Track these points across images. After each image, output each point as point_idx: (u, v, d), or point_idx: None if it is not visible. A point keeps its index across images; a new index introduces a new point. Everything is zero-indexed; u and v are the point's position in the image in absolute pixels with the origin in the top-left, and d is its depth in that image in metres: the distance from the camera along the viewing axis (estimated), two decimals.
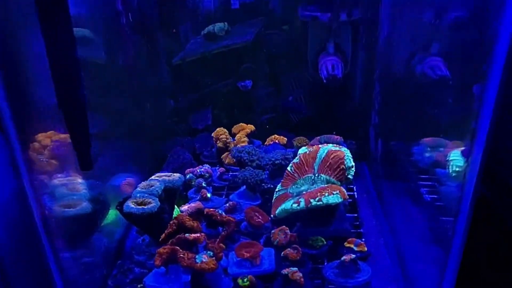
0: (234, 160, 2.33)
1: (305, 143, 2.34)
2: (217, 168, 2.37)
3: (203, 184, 2.17)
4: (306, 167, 1.98)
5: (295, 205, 1.75)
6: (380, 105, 2.46)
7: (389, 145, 2.36)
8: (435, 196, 1.79)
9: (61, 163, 1.82)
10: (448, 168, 1.75)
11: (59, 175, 1.88)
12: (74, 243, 1.76)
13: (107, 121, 2.14)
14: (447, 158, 1.76)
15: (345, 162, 1.89)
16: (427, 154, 1.90)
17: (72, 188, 1.91)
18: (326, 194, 1.72)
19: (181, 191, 2.19)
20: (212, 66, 2.62)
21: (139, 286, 1.66)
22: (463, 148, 1.72)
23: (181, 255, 1.54)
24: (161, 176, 1.99)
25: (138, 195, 1.84)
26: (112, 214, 2.08)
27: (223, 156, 2.45)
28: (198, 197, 2.11)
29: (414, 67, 1.91)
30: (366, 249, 1.80)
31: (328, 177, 1.88)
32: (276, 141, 2.48)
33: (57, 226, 1.62)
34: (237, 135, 2.51)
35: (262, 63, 2.66)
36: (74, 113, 1.37)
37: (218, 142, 2.47)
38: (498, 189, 1.81)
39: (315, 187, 1.85)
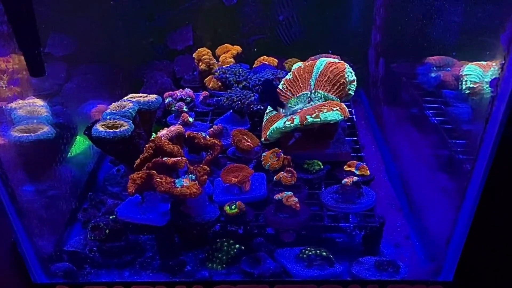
0: (219, 82, 2.07)
1: None
2: (200, 92, 2.11)
3: (184, 109, 1.92)
4: (301, 83, 1.73)
5: (288, 123, 1.53)
6: (382, 20, 2.21)
7: (391, 65, 2.15)
8: (443, 119, 1.61)
9: (23, 88, 1.60)
10: (461, 84, 1.57)
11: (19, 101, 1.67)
12: (37, 174, 1.54)
13: (75, 43, 1.90)
14: (461, 73, 1.58)
15: (346, 76, 1.65)
16: (433, 74, 1.71)
17: (32, 110, 1.67)
18: (325, 110, 1.49)
19: (159, 117, 1.97)
20: None
21: (111, 217, 1.45)
22: (481, 62, 1.55)
23: (158, 179, 1.32)
24: (134, 97, 1.75)
25: (108, 117, 1.60)
26: (82, 143, 1.86)
27: (206, 79, 2.19)
28: (178, 122, 1.87)
29: None
30: (368, 172, 1.60)
31: (326, 94, 1.64)
32: (266, 62, 2.21)
33: (11, 153, 1.43)
34: (221, 56, 2.23)
35: None
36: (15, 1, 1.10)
37: (200, 64, 2.19)
38: None
39: (311, 106, 1.62)
